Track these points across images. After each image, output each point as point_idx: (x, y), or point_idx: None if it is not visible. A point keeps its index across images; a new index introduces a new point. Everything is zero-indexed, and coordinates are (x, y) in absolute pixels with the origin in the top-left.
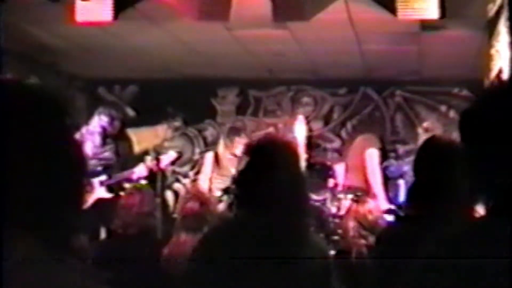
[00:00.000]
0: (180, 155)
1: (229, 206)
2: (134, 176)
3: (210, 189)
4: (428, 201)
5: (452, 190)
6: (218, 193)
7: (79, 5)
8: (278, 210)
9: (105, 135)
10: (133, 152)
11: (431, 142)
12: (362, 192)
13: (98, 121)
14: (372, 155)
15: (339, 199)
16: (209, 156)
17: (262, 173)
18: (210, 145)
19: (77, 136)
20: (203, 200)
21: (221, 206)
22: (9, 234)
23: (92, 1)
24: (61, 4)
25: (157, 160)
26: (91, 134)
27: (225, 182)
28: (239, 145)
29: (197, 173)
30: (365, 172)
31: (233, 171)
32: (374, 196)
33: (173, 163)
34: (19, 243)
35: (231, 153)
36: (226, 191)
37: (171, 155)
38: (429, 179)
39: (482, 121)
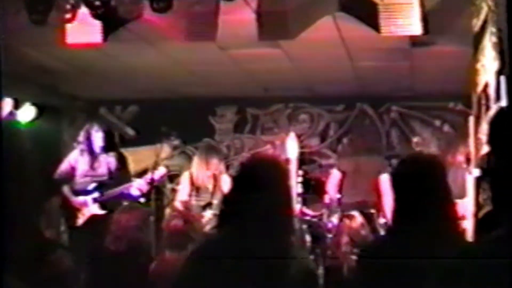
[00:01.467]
0: (169, 170)
1: (215, 223)
2: (132, 191)
3: (189, 207)
4: (411, 216)
5: (433, 205)
6: (198, 210)
7: (69, 27)
8: (264, 228)
9: (99, 153)
10: (128, 170)
11: (408, 160)
12: (373, 208)
13: (92, 139)
14: (386, 180)
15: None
16: (185, 175)
17: (250, 192)
18: None
19: (72, 157)
20: (187, 217)
21: (205, 224)
22: None
23: (81, 23)
24: (55, 26)
25: (152, 178)
26: (85, 152)
27: (205, 200)
28: (214, 164)
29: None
30: (379, 193)
31: (210, 188)
32: (384, 216)
33: (171, 180)
34: None
35: (207, 172)
36: (207, 207)
37: (161, 171)
38: (407, 194)
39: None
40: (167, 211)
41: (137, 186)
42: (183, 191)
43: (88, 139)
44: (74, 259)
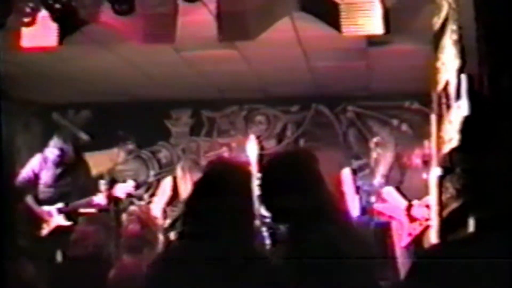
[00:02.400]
0: (137, 183)
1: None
2: (93, 203)
3: (164, 216)
4: None
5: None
6: (168, 223)
7: (24, 31)
8: (226, 232)
9: (61, 163)
10: (90, 177)
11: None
12: None
13: (52, 150)
14: (348, 175)
15: None
16: (166, 182)
17: (211, 196)
18: (164, 167)
19: (34, 164)
20: (144, 222)
21: (162, 228)
22: None
23: (37, 27)
24: (9, 30)
25: (111, 185)
26: (47, 162)
27: (179, 211)
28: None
29: (152, 195)
30: (340, 188)
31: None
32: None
33: None
34: None
35: (188, 185)
36: (173, 224)
37: (129, 184)
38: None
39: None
40: (124, 216)
41: (104, 197)
42: (161, 198)
43: (49, 150)
44: (37, 268)
